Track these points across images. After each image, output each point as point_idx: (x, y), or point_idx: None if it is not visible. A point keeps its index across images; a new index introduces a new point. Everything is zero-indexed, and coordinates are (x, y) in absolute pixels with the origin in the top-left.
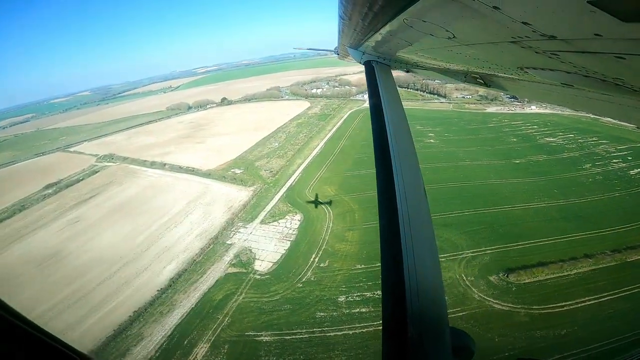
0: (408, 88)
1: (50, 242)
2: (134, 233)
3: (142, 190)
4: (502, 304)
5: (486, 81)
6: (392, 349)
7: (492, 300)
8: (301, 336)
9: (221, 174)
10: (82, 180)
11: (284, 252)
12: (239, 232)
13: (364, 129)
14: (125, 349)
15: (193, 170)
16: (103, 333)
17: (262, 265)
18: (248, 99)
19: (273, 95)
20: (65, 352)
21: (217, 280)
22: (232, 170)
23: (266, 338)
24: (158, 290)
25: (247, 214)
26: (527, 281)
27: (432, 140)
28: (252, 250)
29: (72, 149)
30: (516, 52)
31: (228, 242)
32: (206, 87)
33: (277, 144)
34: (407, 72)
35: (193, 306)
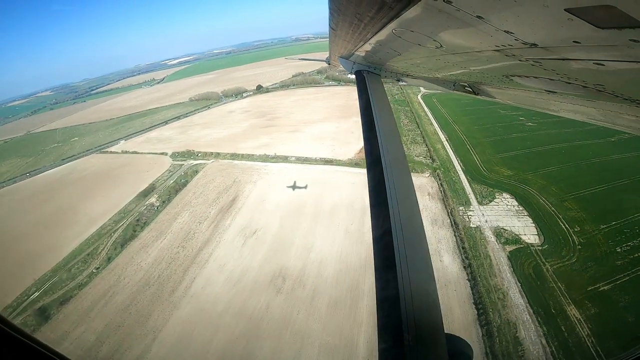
0: None
1: (251, 261)
2: (353, 237)
3: None
4: None
5: (474, 89)
6: (389, 356)
7: None
8: (627, 278)
9: None
10: (188, 182)
11: (532, 224)
12: (469, 214)
13: (457, 114)
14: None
15: (331, 162)
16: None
17: (530, 238)
18: (286, 86)
19: (315, 80)
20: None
21: (509, 259)
22: None
23: (604, 287)
24: (468, 280)
25: (455, 198)
26: None
27: (530, 124)
28: (506, 229)
29: (113, 149)
30: (501, 61)
31: (471, 225)
32: (201, 77)
33: None
34: (398, 81)
35: (520, 285)
